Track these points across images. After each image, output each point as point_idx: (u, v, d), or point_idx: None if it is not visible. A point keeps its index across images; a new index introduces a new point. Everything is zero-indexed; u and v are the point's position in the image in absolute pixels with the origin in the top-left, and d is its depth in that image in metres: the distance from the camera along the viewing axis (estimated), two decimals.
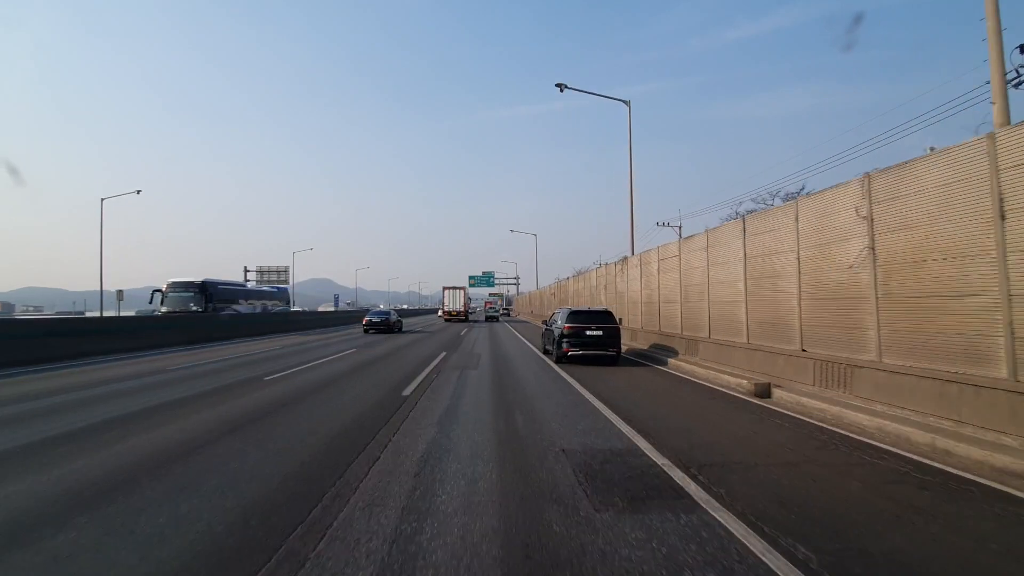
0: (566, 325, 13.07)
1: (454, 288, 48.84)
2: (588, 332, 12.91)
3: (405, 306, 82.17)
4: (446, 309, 48.36)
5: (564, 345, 12.97)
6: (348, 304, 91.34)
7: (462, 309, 47.92)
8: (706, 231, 13.13)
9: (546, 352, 15.93)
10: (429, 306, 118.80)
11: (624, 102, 22.96)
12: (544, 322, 16.20)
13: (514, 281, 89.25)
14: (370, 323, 27.83)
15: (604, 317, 13.30)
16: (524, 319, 58.73)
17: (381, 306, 56.36)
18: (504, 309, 77.28)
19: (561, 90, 23.39)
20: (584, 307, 14.70)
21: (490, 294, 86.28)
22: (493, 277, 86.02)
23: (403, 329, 30.32)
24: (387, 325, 27.83)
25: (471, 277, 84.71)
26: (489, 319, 54.75)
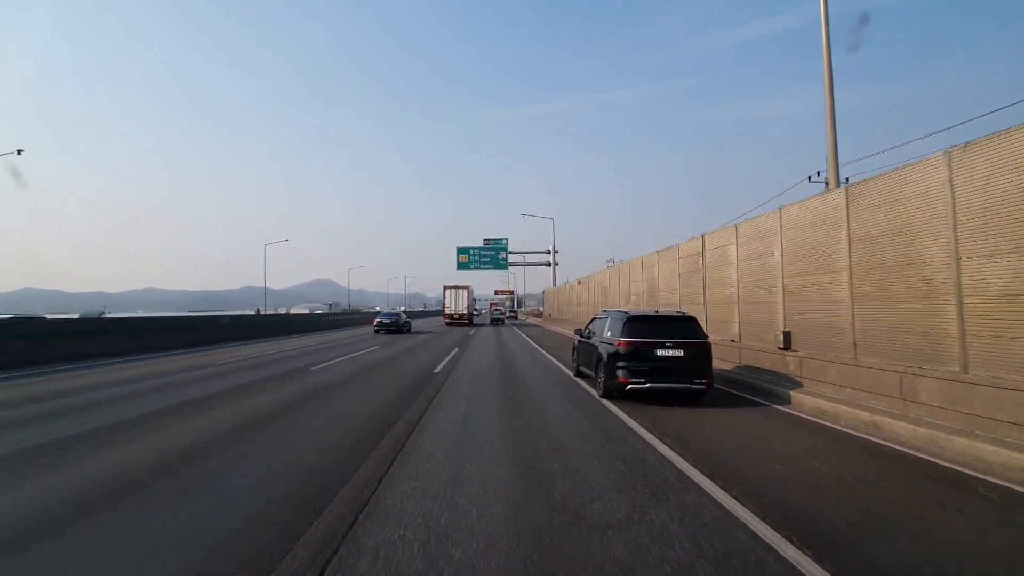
0: (621, 340, 8.12)
1: (456, 288, 42.41)
2: (659, 352, 7.96)
3: (403, 308, 73.90)
4: (447, 311, 42.13)
5: (620, 373, 8.03)
6: (331, 305, 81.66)
7: (465, 311, 41.90)
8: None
9: (580, 375, 11.01)
10: (432, 307, 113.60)
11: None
12: (578, 332, 11.21)
13: (545, 257, 53.91)
14: (380, 324, 30.49)
15: (685, 327, 8.32)
16: (534, 322, 53.73)
17: (378, 307, 52.26)
18: (511, 311, 71.57)
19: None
20: (649, 310, 9.55)
21: (496, 291, 78.07)
22: (504, 250, 53.36)
23: (411, 330, 32.54)
24: (396, 326, 30.59)
25: (460, 252, 53.17)
26: (494, 322, 49.88)
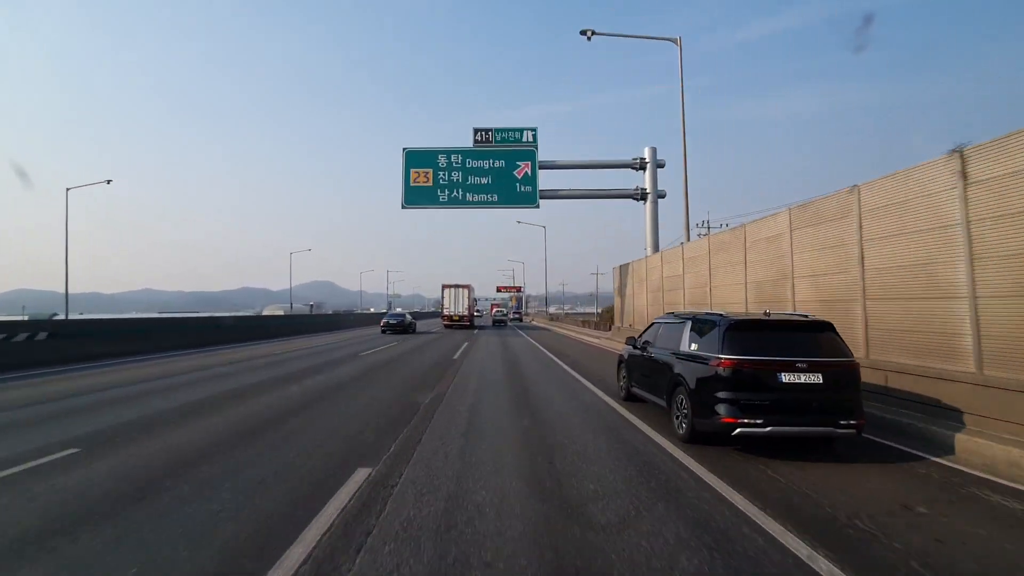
0: (724, 359, 5.30)
1: (455, 287, 38.80)
2: (785, 378, 5.13)
3: (399, 309, 66.00)
4: (446, 312, 38.60)
5: (723, 409, 5.21)
6: (312, 305, 75.74)
7: (466, 312, 38.44)
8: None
9: (631, 398, 8.18)
10: (430, 308, 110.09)
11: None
12: (631, 341, 8.38)
13: (629, 179, 25.94)
14: (387, 324, 31.76)
15: (818, 339, 5.47)
16: (540, 324, 50.68)
17: (372, 309, 49.45)
18: (515, 312, 68.30)
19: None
20: (755, 313, 6.56)
21: (499, 288, 72.49)
22: (529, 156, 22.77)
23: (416, 330, 32.87)
24: (403, 326, 31.50)
25: (412, 160, 22.86)
26: (496, 323, 47.17)
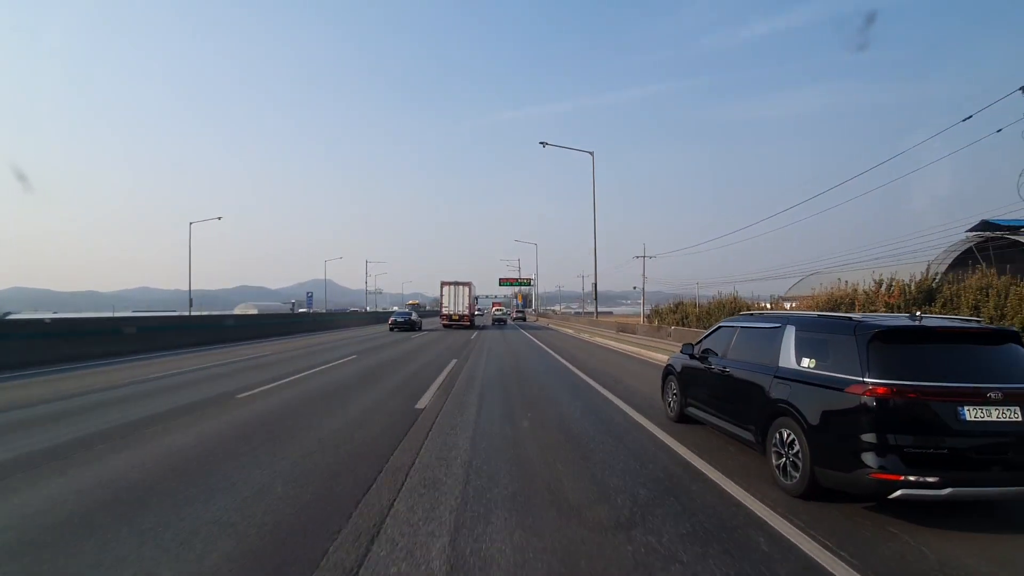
0: (873, 384, 3.56)
1: (455, 284, 36.83)
2: (968, 414, 3.41)
3: (396, 308, 58.45)
4: (445, 311, 36.67)
5: (873, 460, 3.45)
6: (293, 304, 72.78)
7: (466, 312, 36.47)
8: None
9: (684, 419, 6.43)
10: (430, 307, 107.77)
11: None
12: (687, 350, 6.59)
13: None
14: (395, 322, 33.03)
15: (999, 354, 3.74)
16: (550, 325, 48.56)
17: (368, 307, 47.79)
18: (519, 310, 66.19)
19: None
20: (898, 317, 4.28)
21: (501, 280, 68.77)
22: None
23: (421, 328, 34.44)
24: (409, 324, 32.71)
25: None
26: (496, 322, 45.57)
